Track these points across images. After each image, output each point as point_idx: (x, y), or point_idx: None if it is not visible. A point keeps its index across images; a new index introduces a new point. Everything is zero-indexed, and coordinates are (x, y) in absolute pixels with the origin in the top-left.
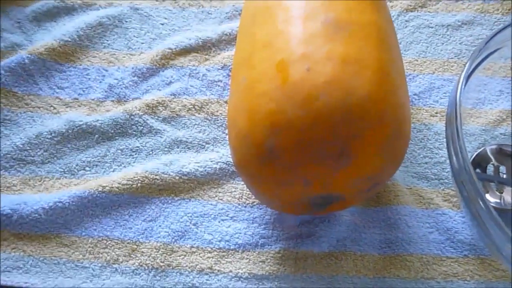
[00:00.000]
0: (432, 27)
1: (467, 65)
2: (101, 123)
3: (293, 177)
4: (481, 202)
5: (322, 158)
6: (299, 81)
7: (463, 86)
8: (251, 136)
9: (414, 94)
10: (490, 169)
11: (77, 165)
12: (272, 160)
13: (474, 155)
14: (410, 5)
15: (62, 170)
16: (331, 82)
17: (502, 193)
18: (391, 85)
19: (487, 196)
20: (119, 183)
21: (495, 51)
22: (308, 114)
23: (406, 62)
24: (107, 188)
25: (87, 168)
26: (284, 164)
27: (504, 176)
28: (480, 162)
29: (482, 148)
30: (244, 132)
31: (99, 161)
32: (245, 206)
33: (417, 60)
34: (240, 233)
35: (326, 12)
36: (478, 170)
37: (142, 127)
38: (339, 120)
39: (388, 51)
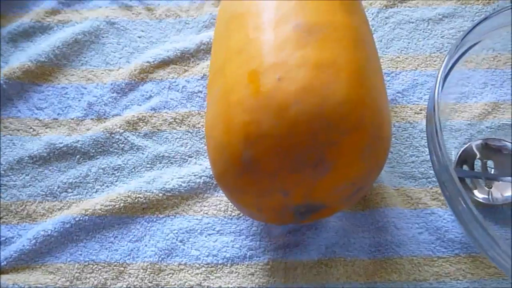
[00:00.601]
0: (412, 22)
1: (444, 61)
2: (82, 144)
3: (272, 187)
4: (463, 203)
5: (300, 167)
6: (270, 91)
7: (441, 84)
8: (228, 147)
9: (398, 92)
10: (478, 164)
11: (58, 187)
12: (250, 171)
13: (460, 151)
14: (390, 1)
15: (44, 193)
16: (305, 89)
17: (491, 188)
18: (367, 86)
19: (476, 192)
20: (101, 205)
21: (476, 43)
22: (283, 123)
23: (388, 60)
24: (89, 211)
25: (69, 190)
26: (263, 175)
27: (493, 171)
28: (466, 158)
29: (468, 143)
30: (222, 144)
31: (81, 182)
32: (231, 219)
33: (399, 57)
34: (227, 246)
35: (296, 17)
36: (465, 166)
37: (123, 145)
38: (315, 127)
39: (363, 51)
